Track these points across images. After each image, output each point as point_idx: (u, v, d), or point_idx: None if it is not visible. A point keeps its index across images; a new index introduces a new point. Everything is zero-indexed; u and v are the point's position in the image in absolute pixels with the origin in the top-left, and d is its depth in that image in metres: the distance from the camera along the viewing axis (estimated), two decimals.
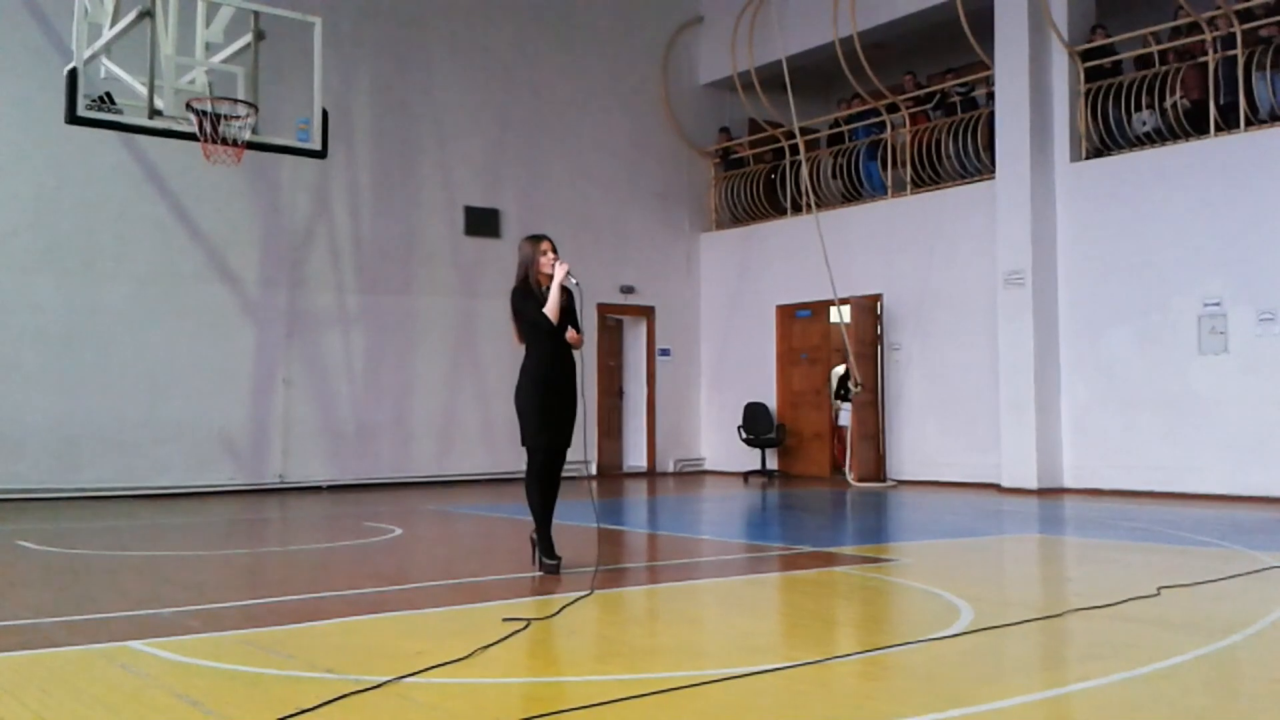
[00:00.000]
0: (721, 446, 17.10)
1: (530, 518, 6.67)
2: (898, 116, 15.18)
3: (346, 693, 3.69)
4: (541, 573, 6.47)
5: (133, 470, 12.66)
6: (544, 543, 6.57)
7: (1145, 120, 12.68)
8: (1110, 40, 13.16)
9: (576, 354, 6.62)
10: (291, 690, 3.83)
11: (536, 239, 6.62)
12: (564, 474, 6.72)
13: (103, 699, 3.75)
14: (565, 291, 6.52)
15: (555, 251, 6.56)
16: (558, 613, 5.23)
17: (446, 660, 4.17)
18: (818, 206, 15.30)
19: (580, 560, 6.80)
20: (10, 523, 9.85)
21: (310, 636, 4.87)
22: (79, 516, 10.53)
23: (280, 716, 3.41)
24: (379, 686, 3.79)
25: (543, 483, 6.55)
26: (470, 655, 4.28)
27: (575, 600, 5.58)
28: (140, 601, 5.82)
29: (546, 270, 6.50)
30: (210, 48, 9.55)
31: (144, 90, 9.23)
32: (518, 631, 4.78)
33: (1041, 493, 12.64)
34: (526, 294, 6.51)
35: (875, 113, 15.52)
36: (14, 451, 11.99)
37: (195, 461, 13.08)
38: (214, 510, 11.32)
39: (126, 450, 12.65)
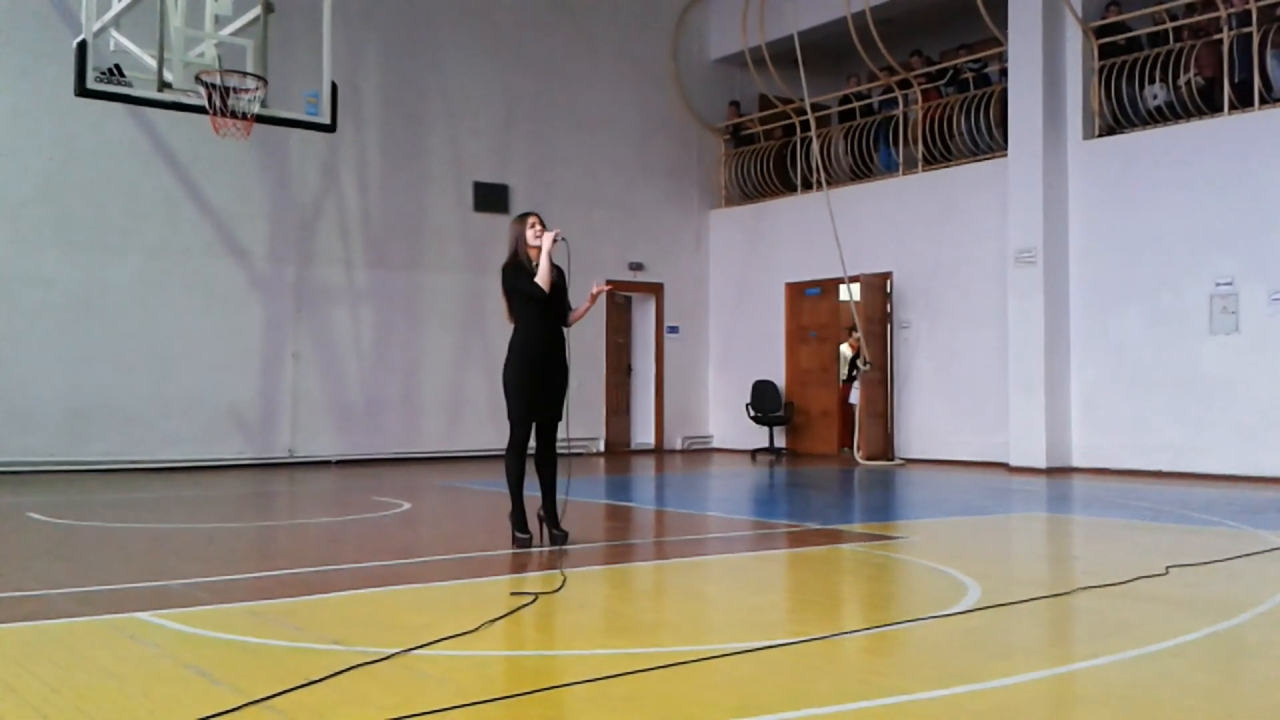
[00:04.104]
0: (729, 424, 17.10)
1: (537, 494, 6.68)
2: (910, 93, 15.10)
3: (355, 664, 3.70)
4: (515, 548, 6.48)
5: (142, 444, 12.70)
6: (518, 517, 6.59)
7: (1156, 94, 12.57)
8: (1124, 17, 13.05)
9: (568, 330, 6.64)
10: (300, 661, 3.85)
11: (523, 216, 6.68)
12: (572, 450, 6.72)
13: (112, 669, 3.77)
14: (559, 269, 6.53)
15: (543, 224, 6.59)
16: (559, 588, 5.24)
17: (454, 633, 4.18)
18: (828, 183, 15.24)
19: (587, 536, 6.80)
20: (20, 495, 9.89)
21: (319, 609, 4.88)
22: (88, 489, 10.57)
23: (289, 687, 3.42)
24: (387, 658, 3.80)
25: (523, 458, 6.57)
26: (478, 628, 4.29)
27: (552, 591, 5.57)
28: (149, 573, 5.85)
29: (534, 242, 6.53)
30: (219, 21, 9.53)
31: (153, 63, 9.22)
32: (525, 605, 4.79)
33: (1050, 472, 12.62)
34: (517, 268, 6.53)
35: (887, 89, 15.44)
36: (23, 424, 12.03)
37: (204, 435, 13.11)
38: (223, 484, 11.35)
39: (135, 424, 12.69)
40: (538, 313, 6.50)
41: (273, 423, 13.62)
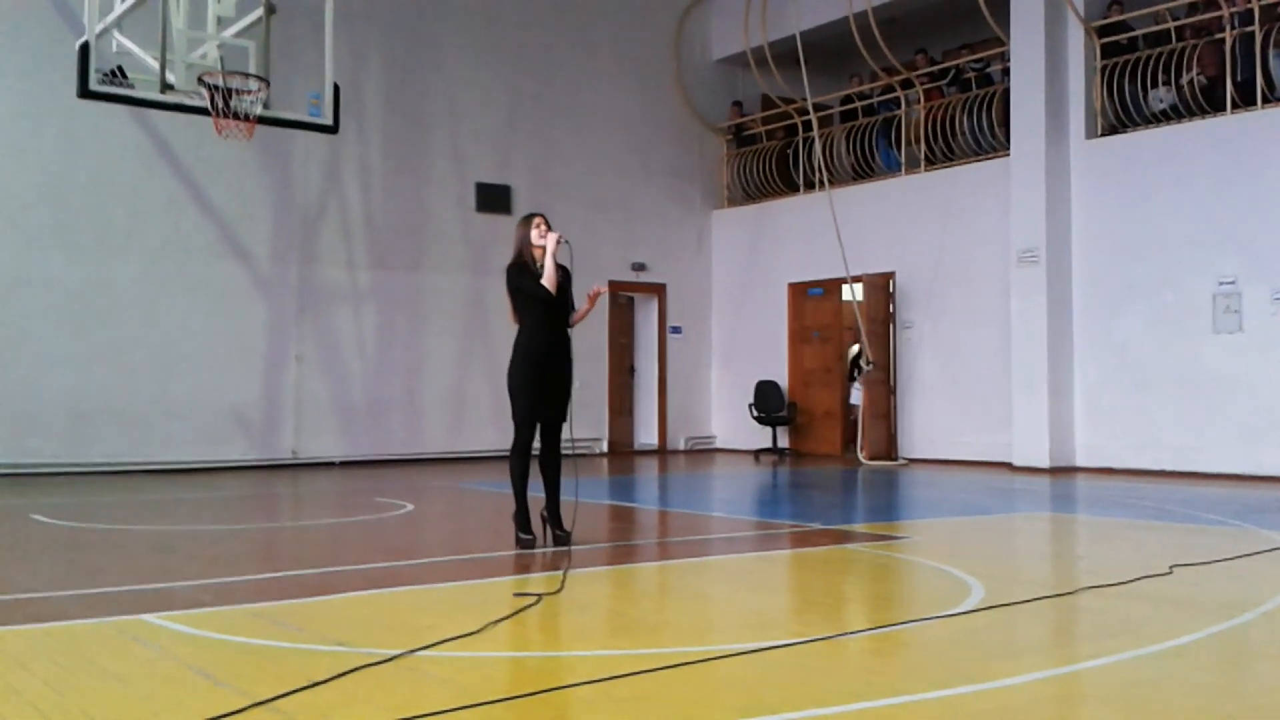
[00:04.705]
0: (732, 424, 17.10)
1: (541, 495, 6.68)
2: (912, 93, 15.09)
3: (358, 666, 3.70)
4: (519, 548, 6.48)
5: (145, 445, 12.70)
6: (521, 518, 6.59)
7: (1161, 98, 12.58)
8: (1126, 16, 13.04)
9: (572, 330, 6.64)
10: (303, 663, 3.85)
11: (528, 218, 6.68)
12: (576, 451, 6.73)
13: (115, 671, 3.77)
14: (564, 270, 6.53)
15: (548, 224, 6.59)
16: (558, 590, 5.24)
17: (458, 634, 4.17)
18: (831, 183, 15.24)
19: (590, 537, 6.79)
20: (23, 497, 9.89)
21: (322, 610, 4.88)
22: (91, 491, 10.57)
23: (292, 689, 3.42)
24: (390, 660, 3.80)
25: (527, 459, 6.57)
26: (481, 629, 4.29)
27: (539, 600, 5.56)
28: (153, 575, 5.85)
29: (538, 243, 6.52)
30: (222, 22, 9.53)
31: (156, 64, 9.22)
32: (529, 606, 4.79)
33: (1053, 471, 12.61)
34: (522, 269, 6.53)
35: (890, 88, 15.43)
36: (27, 426, 12.04)
37: (207, 437, 13.11)
38: (226, 486, 11.36)
39: (139, 425, 12.69)
40: (542, 314, 6.50)
41: (276, 424, 13.62)
